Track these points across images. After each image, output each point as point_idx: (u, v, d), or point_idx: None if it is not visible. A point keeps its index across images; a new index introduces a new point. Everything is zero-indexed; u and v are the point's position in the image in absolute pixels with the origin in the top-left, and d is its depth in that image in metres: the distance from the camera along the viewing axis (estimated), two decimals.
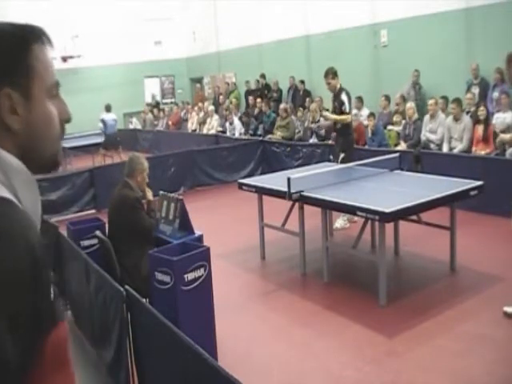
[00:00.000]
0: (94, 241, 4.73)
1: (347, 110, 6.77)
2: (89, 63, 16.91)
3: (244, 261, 6.12)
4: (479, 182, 5.15)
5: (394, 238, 5.80)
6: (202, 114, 14.82)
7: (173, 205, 4.51)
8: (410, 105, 9.10)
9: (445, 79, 9.50)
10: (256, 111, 13.12)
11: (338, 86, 6.86)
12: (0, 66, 0.93)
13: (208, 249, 3.85)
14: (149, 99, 18.52)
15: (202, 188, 10.16)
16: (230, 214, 8.15)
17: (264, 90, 13.98)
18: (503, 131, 7.64)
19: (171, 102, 18.28)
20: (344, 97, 6.77)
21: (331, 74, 6.83)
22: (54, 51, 1.00)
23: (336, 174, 6.07)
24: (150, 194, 4.54)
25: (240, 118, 13.12)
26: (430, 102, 8.68)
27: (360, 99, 10.37)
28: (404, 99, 9.73)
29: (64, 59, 16.44)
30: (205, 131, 14.00)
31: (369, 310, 4.64)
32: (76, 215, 8.38)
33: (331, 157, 8.21)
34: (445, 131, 8.38)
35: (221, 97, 15.35)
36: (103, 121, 13.27)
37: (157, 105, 18.05)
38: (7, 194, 0.89)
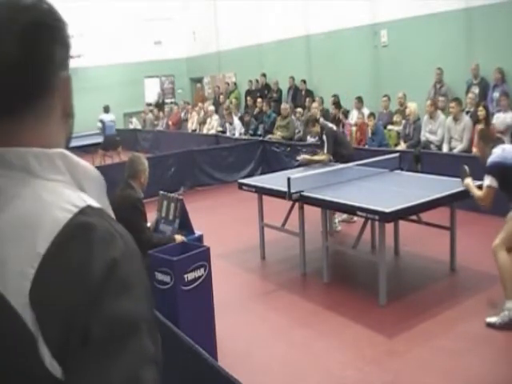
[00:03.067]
0: None
1: (325, 151, 6.80)
2: (89, 63, 16.89)
3: (244, 261, 6.12)
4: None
5: (394, 238, 5.80)
6: (202, 114, 14.82)
7: (173, 205, 4.51)
8: (413, 105, 9.09)
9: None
10: (256, 111, 13.12)
11: (319, 130, 6.94)
12: (63, 51, 0.90)
13: (208, 249, 3.85)
14: (149, 99, 18.49)
15: (202, 188, 10.16)
16: (230, 214, 8.15)
17: (264, 90, 13.98)
18: (502, 132, 7.60)
19: (171, 102, 18.27)
20: (324, 137, 6.86)
21: (311, 122, 7.09)
22: None
23: (336, 174, 6.07)
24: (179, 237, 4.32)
25: (240, 118, 13.11)
26: (427, 102, 8.68)
27: (360, 99, 10.37)
28: (405, 98, 9.72)
29: None
30: (205, 131, 13.99)
31: (369, 310, 4.64)
32: None
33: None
34: (445, 131, 8.38)
35: (221, 97, 15.35)
36: (102, 121, 13.21)
37: (162, 104, 18.03)
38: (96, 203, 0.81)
